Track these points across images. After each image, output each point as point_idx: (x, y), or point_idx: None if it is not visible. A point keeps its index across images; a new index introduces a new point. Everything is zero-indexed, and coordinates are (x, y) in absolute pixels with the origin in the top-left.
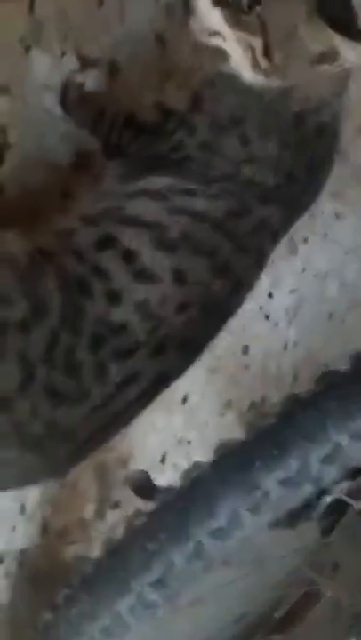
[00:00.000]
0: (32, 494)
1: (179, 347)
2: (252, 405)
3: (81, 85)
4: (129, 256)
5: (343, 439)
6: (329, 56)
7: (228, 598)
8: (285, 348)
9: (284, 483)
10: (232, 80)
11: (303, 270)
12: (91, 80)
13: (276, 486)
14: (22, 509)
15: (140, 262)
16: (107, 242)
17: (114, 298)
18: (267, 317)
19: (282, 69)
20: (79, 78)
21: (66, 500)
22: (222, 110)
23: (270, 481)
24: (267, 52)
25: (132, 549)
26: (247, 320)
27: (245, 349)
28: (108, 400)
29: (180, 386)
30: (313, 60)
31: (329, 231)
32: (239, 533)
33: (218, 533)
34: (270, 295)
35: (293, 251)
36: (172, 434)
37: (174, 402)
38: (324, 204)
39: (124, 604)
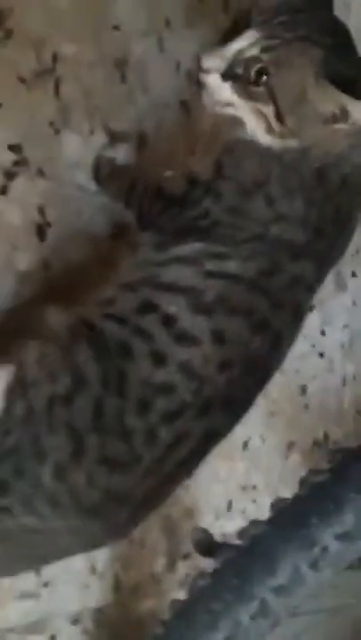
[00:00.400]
0: (102, 553)
1: (224, 404)
2: (316, 444)
3: (112, 160)
4: (168, 321)
5: None
6: (342, 116)
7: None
8: (344, 383)
9: (341, 537)
10: (251, 145)
11: (354, 304)
12: (120, 153)
13: (334, 541)
14: (93, 569)
15: (179, 326)
16: (146, 307)
17: (158, 359)
18: (321, 355)
19: (296, 131)
20: (109, 153)
21: (135, 557)
22: (245, 175)
23: (328, 536)
24: (279, 118)
25: (199, 611)
26: (301, 360)
27: (303, 389)
28: (159, 462)
29: (240, 432)
30: (326, 121)
31: None
32: (301, 590)
33: (280, 590)
34: (323, 333)
35: (342, 287)
36: (236, 481)
37: (235, 449)
38: None
39: None
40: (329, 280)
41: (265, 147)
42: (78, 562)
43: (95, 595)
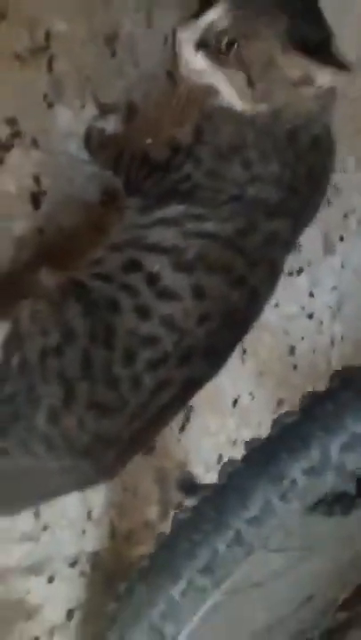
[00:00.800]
0: (97, 500)
1: (203, 354)
2: None
3: (102, 130)
4: (152, 278)
5: (360, 428)
6: (308, 80)
7: (288, 582)
8: (332, 343)
9: (308, 472)
10: (227, 111)
11: (342, 267)
12: (110, 124)
13: (302, 475)
14: (89, 515)
15: (162, 283)
16: (132, 265)
17: (142, 313)
18: (310, 317)
19: (267, 96)
20: (100, 124)
21: (129, 505)
22: (222, 139)
23: (296, 471)
24: (250, 84)
25: (180, 541)
26: (290, 322)
27: (292, 350)
28: (143, 407)
29: (230, 390)
30: (294, 84)
31: None
32: (272, 520)
33: (253, 521)
34: (311, 295)
35: (331, 250)
36: (226, 435)
37: (225, 406)
38: (357, 203)
39: (176, 590)
40: (317, 244)
41: (240, 112)
42: (75, 508)
43: (91, 540)
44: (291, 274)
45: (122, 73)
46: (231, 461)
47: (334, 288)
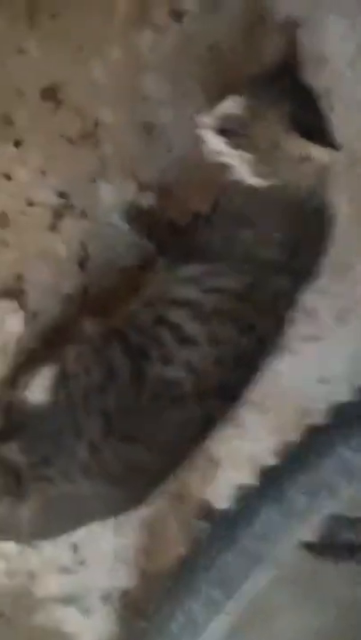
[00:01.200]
0: (129, 541)
1: (218, 393)
2: None
3: (140, 205)
4: (175, 329)
5: (347, 453)
6: (308, 158)
7: None
8: None
9: (305, 493)
10: (239, 185)
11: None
12: (147, 199)
13: (300, 496)
14: (121, 554)
15: (182, 332)
16: (159, 319)
17: (166, 360)
18: (325, 382)
19: (272, 173)
20: (138, 199)
21: (157, 548)
22: (235, 208)
23: (295, 492)
24: (259, 162)
25: (198, 558)
26: (308, 386)
27: (310, 411)
28: (168, 441)
29: (251, 447)
30: (296, 162)
31: None
32: (275, 537)
33: (258, 537)
34: (326, 361)
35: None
36: None
37: (247, 461)
38: None
39: (195, 604)
40: (332, 314)
41: (251, 186)
42: (109, 546)
43: (123, 578)
44: (307, 340)
45: (158, 157)
46: (241, 486)
47: (349, 357)
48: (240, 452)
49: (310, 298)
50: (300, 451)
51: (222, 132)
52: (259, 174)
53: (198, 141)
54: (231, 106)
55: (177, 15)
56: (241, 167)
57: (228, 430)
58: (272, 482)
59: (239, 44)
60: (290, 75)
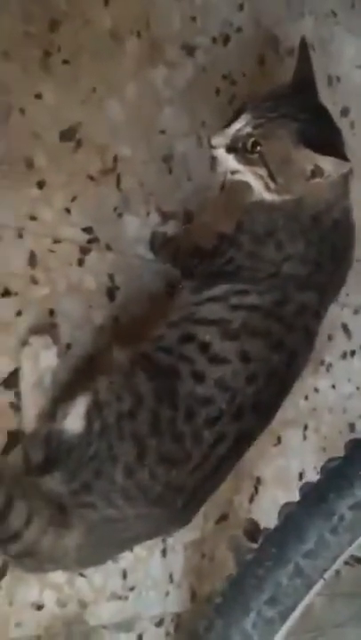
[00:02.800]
0: (178, 565)
1: (252, 410)
2: None
3: (164, 234)
4: (204, 347)
5: None
6: (318, 172)
7: None
8: None
9: (353, 507)
10: (260, 204)
11: None
12: (170, 228)
13: (348, 510)
14: (171, 578)
15: (212, 350)
16: (187, 338)
17: (198, 377)
18: None
19: (287, 187)
20: (162, 229)
21: (207, 570)
22: (258, 227)
23: (343, 507)
24: (272, 177)
25: (248, 577)
26: (348, 400)
27: (352, 427)
28: (204, 458)
29: (295, 465)
30: (308, 177)
31: None
32: (326, 553)
33: (309, 554)
34: None
35: None
36: None
37: (292, 480)
38: None
39: (248, 623)
40: None
41: (271, 203)
42: (158, 571)
43: (174, 602)
44: (344, 356)
45: (178, 186)
46: (288, 504)
47: None
48: (285, 470)
49: (343, 314)
50: (345, 465)
51: (235, 150)
52: (273, 190)
53: (214, 163)
54: (242, 124)
55: (189, 50)
56: (256, 184)
57: (272, 449)
58: (319, 498)
59: (252, 71)
60: (300, 93)
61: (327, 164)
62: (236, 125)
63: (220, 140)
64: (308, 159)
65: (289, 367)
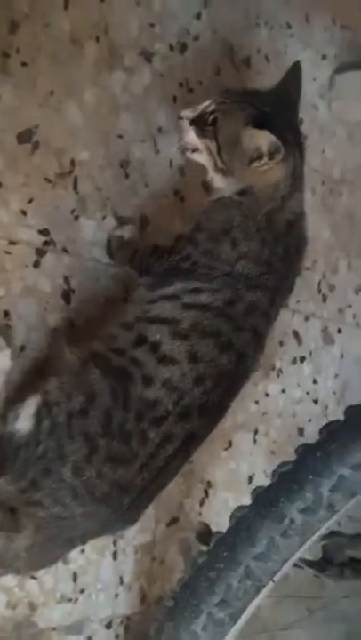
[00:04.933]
0: (128, 568)
1: (200, 411)
2: None
3: (120, 237)
4: (154, 347)
5: (345, 471)
6: (257, 154)
7: None
8: None
9: (304, 511)
10: (218, 202)
11: (342, 356)
12: (127, 232)
13: (299, 514)
14: (121, 580)
15: (162, 350)
16: (139, 340)
17: (147, 381)
18: (315, 402)
19: (230, 168)
20: (118, 232)
21: (157, 573)
22: (215, 225)
23: (294, 511)
24: (219, 153)
25: (199, 580)
26: (297, 405)
27: (301, 431)
28: (151, 458)
29: (245, 469)
30: (249, 159)
31: (359, 320)
32: (276, 556)
33: (260, 557)
34: (315, 382)
35: (330, 341)
36: None
37: (242, 483)
38: (351, 300)
39: (198, 625)
40: (317, 335)
41: (228, 199)
42: (108, 573)
43: (124, 604)
44: (294, 362)
45: (135, 191)
46: (239, 507)
47: (337, 376)
48: (235, 474)
49: (294, 320)
50: (296, 470)
51: (197, 123)
52: (219, 169)
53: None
54: (210, 103)
55: (147, 56)
56: (206, 159)
57: (223, 453)
58: (270, 502)
59: (208, 80)
60: (276, 97)
61: (262, 138)
62: (206, 103)
63: (187, 113)
64: (252, 139)
65: (238, 368)
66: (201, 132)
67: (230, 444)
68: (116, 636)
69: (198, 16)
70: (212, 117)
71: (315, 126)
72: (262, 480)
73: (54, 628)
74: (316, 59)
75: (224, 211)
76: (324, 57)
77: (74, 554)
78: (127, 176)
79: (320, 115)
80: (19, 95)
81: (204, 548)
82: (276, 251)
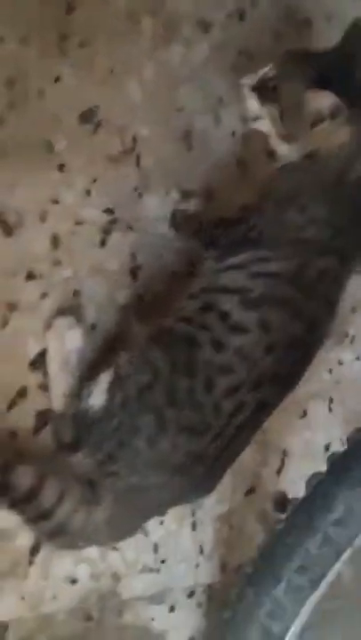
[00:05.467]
0: (208, 537)
1: (272, 380)
2: None
3: (185, 211)
4: (224, 316)
5: None
6: (318, 116)
7: None
8: None
9: None
10: (283, 168)
11: None
12: (191, 206)
13: None
14: (201, 550)
15: (232, 319)
16: (207, 307)
17: (218, 346)
18: None
19: (294, 133)
20: (182, 206)
21: (236, 542)
22: (280, 193)
23: None
24: (282, 118)
25: (277, 546)
26: None
27: None
28: (223, 428)
29: (321, 438)
30: (311, 121)
31: None
32: (354, 521)
33: (338, 523)
34: None
35: None
36: None
37: (318, 451)
38: None
39: (279, 590)
40: None
41: (292, 164)
42: (188, 544)
43: (205, 573)
44: None
45: (198, 163)
46: (316, 474)
47: None
48: (311, 443)
49: None
50: None
51: (259, 90)
52: (283, 137)
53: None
54: (269, 68)
55: (204, 26)
56: (269, 126)
57: (298, 422)
58: (346, 468)
59: (268, 46)
60: (336, 56)
61: (323, 100)
62: (266, 69)
63: (248, 80)
64: (313, 101)
65: (310, 336)
66: (263, 98)
67: (305, 413)
68: (198, 605)
69: None
70: (273, 83)
71: None
72: (339, 449)
73: (138, 598)
74: None
75: (290, 177)
76: None
77: (153, 525)
78: (190, 149)
79: None
80: (78, 76)
81: (282, 516)
82: (346, 213)
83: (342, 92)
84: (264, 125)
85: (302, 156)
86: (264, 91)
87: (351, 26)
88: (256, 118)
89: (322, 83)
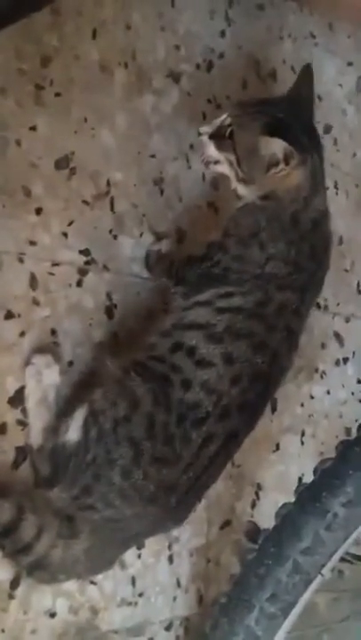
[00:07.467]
0: (185, 570)
1: (238, 410)
2: None
3: (158, 251)
4: (190, 351)
5: None
6: (273, 160)
7: None
8: None
9: (346, 505)
10: (243, 208)
11: None
12: (164, 246)
13: (341, 508)
14: (178, 583)
15: (198, 354)
16: (176, 347)
17: (186, 384)
18: (360, 401)
19: (251, 177)
20: (156, 247)
21: (213, 574)
22: (242, 230)
23: (336, 505)
24: (239, 164)
25: (249, 577)
26: (343, 406)
27: (348, 431)
28: (195, 458)
29: (294, 470)
30: (266, 166)
31: None
32: (322, 549)
33: (307, 551)
34: (359, 382)
35: None
36: None
37: (291, 483)
38: None
39: (251, 620)
40: (359, 336)
41: (252, 204)
42: (165, 577)
43: (182, 606)
44: (338, 363)
45: (170, 206)
46: (284, 505)
47: None
48: (284, 475)
49: (335, 322)
50: (337, 466)
51: (215, 137)
52: (241, 179)
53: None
54: (224, 117)
55: (175, 77)
56: (228, 170)
57: (271, 456)
58: (313, 497)
59: (236, 95)
60: (290, 103)
61: (276, 146)
62: (222, 117)
63: (205, 129)
64: (267, 147)
65: (273, 366)
66: (220, 146)
67: (278, 447)
68: (177, 638)
69: (222, 33)
70: (228, 130)
71: (345, 130)
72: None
73: (116, 631)
74: (343, 65)
75: (250, 216)
76: (349, 63)
77: (131, 559)
78: (162, 193)
79: (349, 119)
80: (54, 124)
81: (254, 546)
82: (303, 249)
83: (293, 137)
84: (223, 169)
85: (260, 196)
86: (221, 138)
87: (301, 72)
88: (216, 163)
89: (274, 129)
